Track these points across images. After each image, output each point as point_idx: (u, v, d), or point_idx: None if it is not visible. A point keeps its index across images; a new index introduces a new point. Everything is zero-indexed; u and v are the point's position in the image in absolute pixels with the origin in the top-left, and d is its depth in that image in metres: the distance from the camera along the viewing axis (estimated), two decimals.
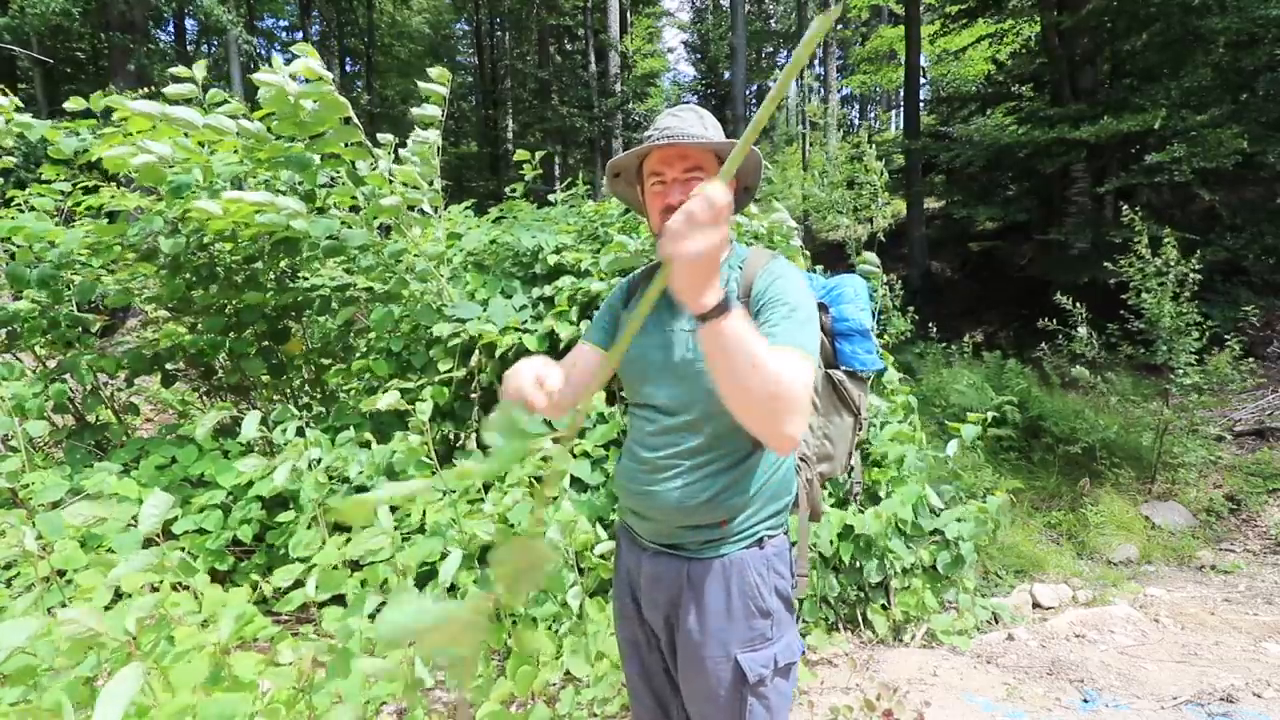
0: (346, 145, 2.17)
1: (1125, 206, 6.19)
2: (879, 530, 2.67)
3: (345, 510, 0.47)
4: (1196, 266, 5.35)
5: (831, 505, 2.84)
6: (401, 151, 2.36)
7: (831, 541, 2.69)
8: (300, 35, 21.04)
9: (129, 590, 1.51)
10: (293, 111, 2.00)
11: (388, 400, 1.97)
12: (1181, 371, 5.22)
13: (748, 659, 1.12)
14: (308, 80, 1.93)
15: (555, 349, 2.71)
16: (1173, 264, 5.37)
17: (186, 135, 2.36)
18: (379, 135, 2.41)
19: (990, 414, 2.92)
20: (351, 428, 2.47)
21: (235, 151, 2.69)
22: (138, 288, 3.00)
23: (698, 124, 1.20)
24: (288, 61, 2.00)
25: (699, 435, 1.15)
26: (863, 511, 2.76)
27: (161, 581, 1.40)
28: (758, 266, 1.18)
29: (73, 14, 9.36)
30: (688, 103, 1.62)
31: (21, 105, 2.64)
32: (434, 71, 2.03)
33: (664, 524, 1.19)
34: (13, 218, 2.78)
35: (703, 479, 1.15)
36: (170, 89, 2.10)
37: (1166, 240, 5.44)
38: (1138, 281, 5.50)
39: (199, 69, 2.25)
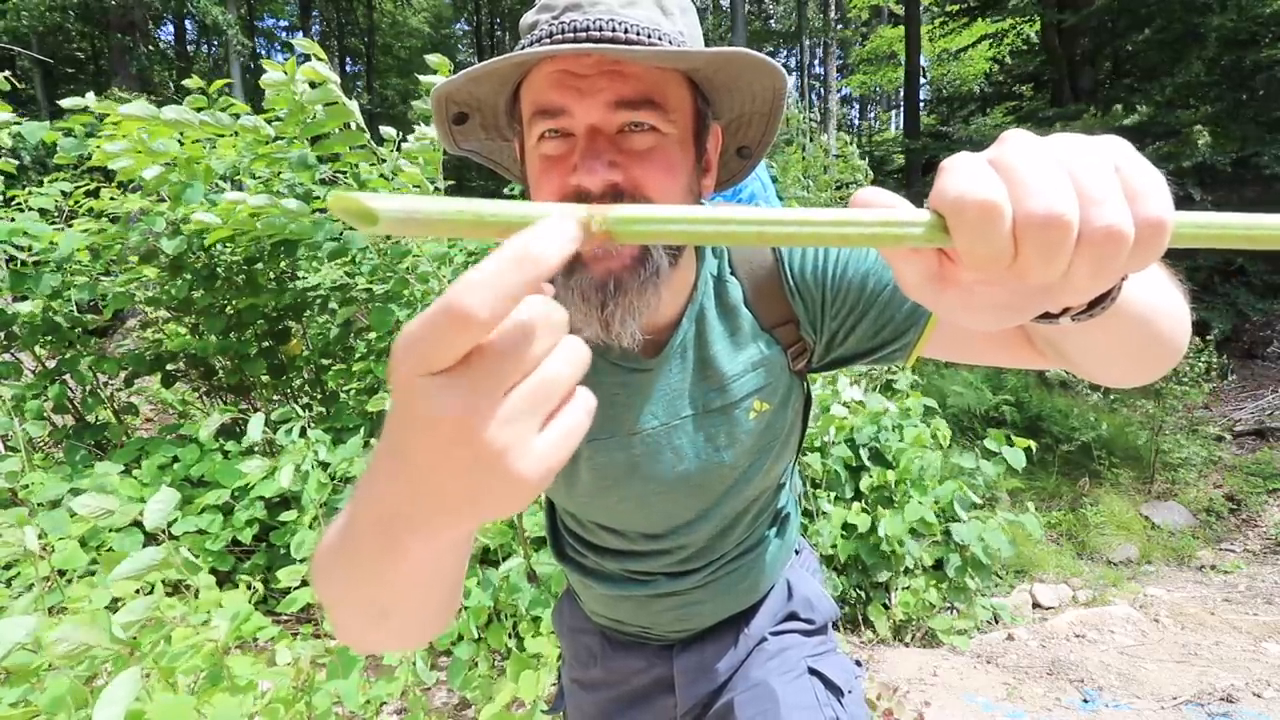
0: (351, 149, 2.17)
1: None
2: (897, 533, 2.65)
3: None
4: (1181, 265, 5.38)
5: (835, 503, 2.84)
6: (404, 146, 2.36)
7: (834, 544, 2.68)
8: (300, 35, 21.03)
9: (122, 594, 1.50)
10: (298, 112, 1.99)
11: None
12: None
13: (824, 666, 0.92)
14: (313, 84, 1.92)
15: None
16: None
17: (181, 139, 2.36)
18: (382, 130, 2.41)
19: (1031, 445, 2.88)
20: (360, 429, 2.47)
21: (234, 149, 2.69)
22: (138, 287, 3.00)
23: (649, 3, 0.61)
24: (300, 60, 2.00)
25: (739, 525, 0.86)
26: (867, 511, 2.75)
27: (153, 587, 1.40)
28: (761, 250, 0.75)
29: (67, 12, 9.36)
30: None
31: (19, 118, 2.63)
32: (433, 60, 1.95)
33: (717, 616, 0.94)
34: (12, 219, 2.78)
35: (761, 556, 0.91)
36: (179, 109, 2.09)
37: None
38: None
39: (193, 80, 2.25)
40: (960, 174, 0.31)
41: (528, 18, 0.63)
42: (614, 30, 0.57)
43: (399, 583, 0.39)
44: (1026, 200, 0.30)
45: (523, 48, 0.60)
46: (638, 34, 0.58)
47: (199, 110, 2.13)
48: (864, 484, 2.81)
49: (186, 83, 2.24)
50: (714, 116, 0.67)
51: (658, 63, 0.58)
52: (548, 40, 0.58)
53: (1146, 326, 0.48)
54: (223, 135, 2.25)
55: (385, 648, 0.52)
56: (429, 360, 0.28)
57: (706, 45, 0.65)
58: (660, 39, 0.59)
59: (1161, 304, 0.50)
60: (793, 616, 0.97)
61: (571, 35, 0.57)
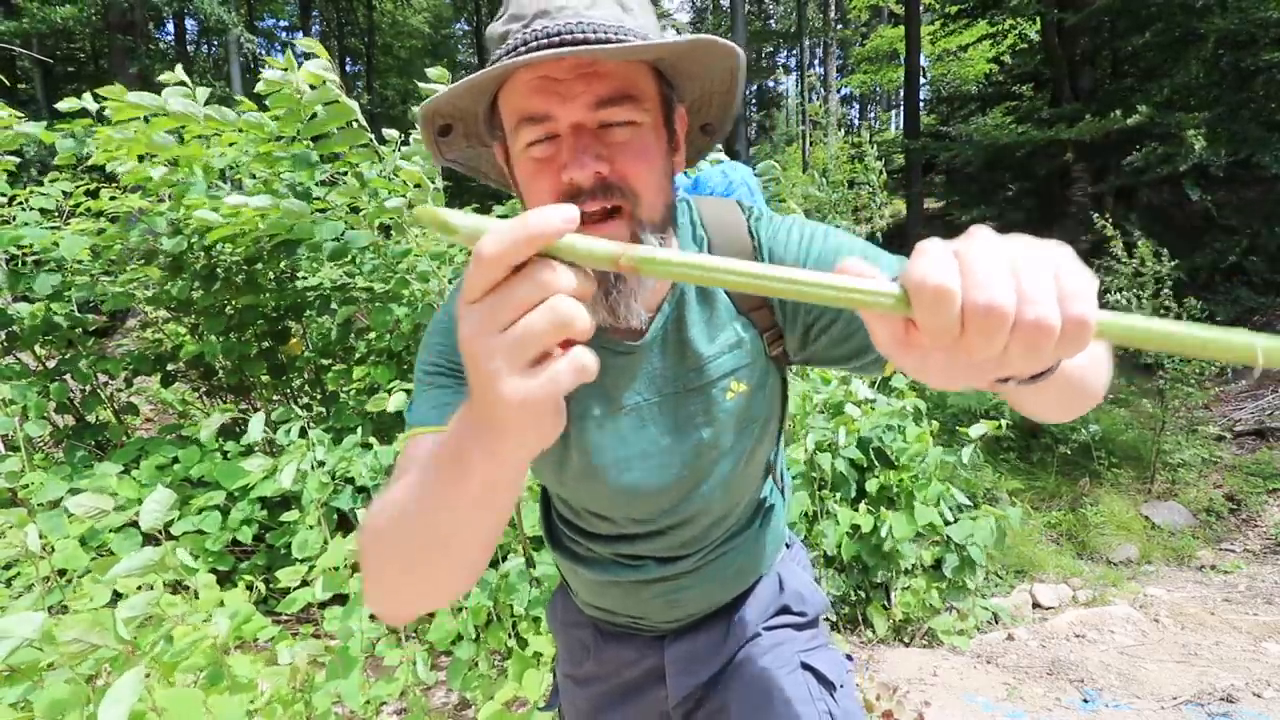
0: (352, 148, 2.17)
1: (1095, 214, 6.29)
2: (904, 534, 2.63)
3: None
4: (1171, 265, 5.40)
5: (839, 503, 2.84)
6: (404, 149, 2.36)
7: (838, 543, 2.68)
8: (300, 35, 21.01)
9: (126, 590, 1.51)
10: (299, 111, 2.00)
11: (395, 403, 1.96)
12: (1173, 365, 5.25)
13: (816, 660, 0.94)
14: (313, 86, 1.92)
15: None
16: (1148, 267, 5.42)
17: (182, 134, 2.35)
18: (384, 131, 2.41)
19: (1004, 424, 2.91)
20: (359, 429, 2.47)
21: (233, 145, 2.68)
22: (137, 287, 3.00)
23: (609, 2, 0.63)
24: (300, 59, 1.99)
25: (732, 514, 0.89)
26: (871, 512, 2.75)
27: (154, 584, 1.40)
28: (738, 232, 0.79)
29: (79, 19, 9.40)
30: None
31: (20, 116, 2.62)
32: (433, 72, 2.01)
33: (705, 604, 0.95)
34: (14, 216, 2.78)
35: (748, 542, 0.93)
36: (167, 93, 2.07)
37: (1141, 243, 5.51)
38: (1107, 281, 5.57)
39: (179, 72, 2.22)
40: (927, 259, 0.37)
41: (495, 28, 0.65)
42: (584, 33, 0.60)
43: (462, 505, 0.48)
44: (974, 291, 0.36)
45: (497, 58, 0.63)
46: (606, 33, 0.60)
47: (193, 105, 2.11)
48: (870, 485, 2.79)
49: (163, 78, 2.16)
50: (678, 99, 0.72)
51: (631, 58, 0.62)
52: (523, 49, 0.60)
53: (1078, 385, 0.56)
54: (224, 130, 2.24)
55: (420, 603, 0.58)
56: (465, 291, 0.39)
57: None
58: (626, 35, 0.61)
59: (1091, 365, 0.58)
60: (785, 610, 0.98)
61: (545, 41, 0.60)
